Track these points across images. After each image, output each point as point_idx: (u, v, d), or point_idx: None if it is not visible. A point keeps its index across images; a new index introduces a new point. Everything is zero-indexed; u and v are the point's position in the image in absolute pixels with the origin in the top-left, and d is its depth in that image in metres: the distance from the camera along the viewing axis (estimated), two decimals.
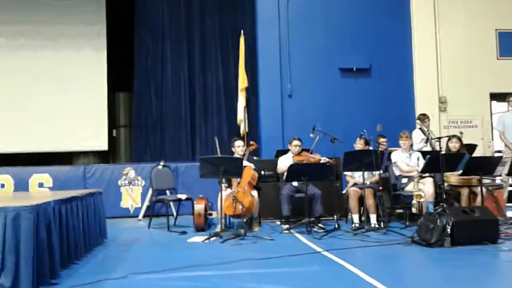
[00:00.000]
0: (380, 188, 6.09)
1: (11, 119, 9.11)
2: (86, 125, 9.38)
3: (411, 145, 6.56)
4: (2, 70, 9.10)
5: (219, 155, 6.72)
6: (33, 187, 7.59)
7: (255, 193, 6.06)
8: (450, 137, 6.49)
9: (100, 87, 9.56)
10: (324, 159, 6.15)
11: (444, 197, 5.71)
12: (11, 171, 7.68)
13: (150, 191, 7.46)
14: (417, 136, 7.12)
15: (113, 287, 3.58)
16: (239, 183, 5.97)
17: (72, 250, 4.22)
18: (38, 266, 3.44)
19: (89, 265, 4.33)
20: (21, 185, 7.54)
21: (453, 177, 6.11)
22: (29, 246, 3.35)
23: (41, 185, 7.63)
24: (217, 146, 6.82)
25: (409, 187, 6.00)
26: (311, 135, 6.44)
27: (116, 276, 3.82)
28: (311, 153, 6.29)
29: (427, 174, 6.13)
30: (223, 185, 5.77)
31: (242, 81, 8.47)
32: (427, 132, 7.07)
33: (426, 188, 5.84)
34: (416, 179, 5.76)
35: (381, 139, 7.11)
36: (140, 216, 7.62)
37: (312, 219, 5.91)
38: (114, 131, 10.11)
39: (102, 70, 9.58)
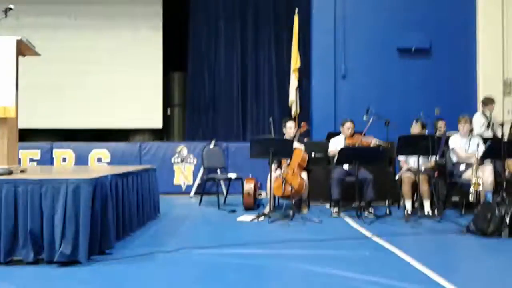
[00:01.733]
0: (436, 174, 5.86)
1: (72, 96, 9.53)
2: (142, 103, 9.66)
3: (471, 130, 6.24)
4: (63, 48, 9.48)
5: (272, 135, 6.72)
6: (92, 162, 7.97)
7: (304, 175, 6.03)
8: None
9: (156, 66, 9.78)
10: (377, 142, 6.00)
11: (504, 186, 5.42)
12: (73, 146, 8.10)
13: (202, 170, 7.62)
14: (479, 120, 6.76)
15: (165, 259, 3.72)
16: (289, 164, 5.96)
17: (126, 223, 4.41)
18: (95, 236, 3.63)
19: (143, 237, 4.50)
20: (81, 160, 7.93)
21: None
22: (87, 217, 3.53)
23: (99, 160, 7.99)
24: (272, 127, 6.82)
25: (467, 175, 5.73)
26: (364, 117, 6.26)
27: (168, 249, 3.96)
28: (363, 135, 6.14)
29: (486, 162, 5.83)
30: (273, 166, 5.78)
31: (295, 62, 8.38)
32: (489, 117, 6.70)
33: (485, 176, 5.56)
34: (474, 166, 5.49)
35: (440, 123, 6.82)
36: (192, 193, 7.82)
37: (363, 203, 5.81)
38: (168, 109, 10.35)
39: (158, 50, 9.78)
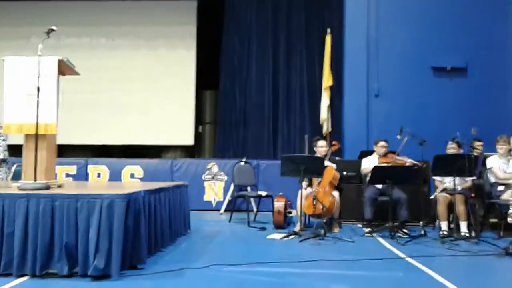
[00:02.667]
0: (473, 195, 5.68)
1: (107, 114, 9.82)
2: (174, 121, 9.84)
3: (510, 151, 6.04)
4: (102, 67, 9.82)
5: (306, 153, 6.69)
6: (125, 177, 8.12)
7: (336, 193, 5.95)
8: None
9: (188, 85, 9.98)
10: (411, 162, 5.88)
11: None
12: (107, 162, 8.29)
13: (232, 186, 7.64)
14: None
15: (195, 275, 3.72)
16: (320, 183, 5.90)
17: (158, 238, 4.45)
18: (127, 251, 3.67)
19: (173, 253, 4.53)
20: (115, 175, 8.10)
21: None
22: (120, 231, 3.58)
23: (132, 175, 8.14)
24: (306, 143, 6.80)
25: (506, 196, 5.53)
26: (398, 136, 6.16)
27: (198, 266, 3.97)
28: (397, 155, 6.04)
29: None
30: (303, 183, 5.74)
31: (327, 80, 8.39)
32: None
33: None
34: None
35: (477, 143, 6.63)
36: (222, 210, 7.84)
37: (396, 223, 5.68)
38: (200, 127, 10.50)
39: (191, 68, 9.99)
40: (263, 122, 9.64)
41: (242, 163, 7.28)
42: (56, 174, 4.71)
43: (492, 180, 5.87)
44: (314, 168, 5.57)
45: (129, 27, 10.07)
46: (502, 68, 8.45)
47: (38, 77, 4.03)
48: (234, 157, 8.85)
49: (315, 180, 5.97)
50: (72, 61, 4.47)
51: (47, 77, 4.11)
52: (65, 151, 9.18)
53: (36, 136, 4.04)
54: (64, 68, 4.43)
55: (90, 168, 8.19)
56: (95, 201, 3.62)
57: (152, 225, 4.28)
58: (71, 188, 4.54)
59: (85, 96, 9.75)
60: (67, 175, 8.10)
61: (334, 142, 6.43)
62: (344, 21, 8.86)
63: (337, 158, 6.81)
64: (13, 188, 4.03)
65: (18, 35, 9.80)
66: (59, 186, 4.40)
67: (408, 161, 5.91)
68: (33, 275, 3.56)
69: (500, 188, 5.72)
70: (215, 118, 10.35)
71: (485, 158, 6.12)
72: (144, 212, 4.00)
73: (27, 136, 4.18)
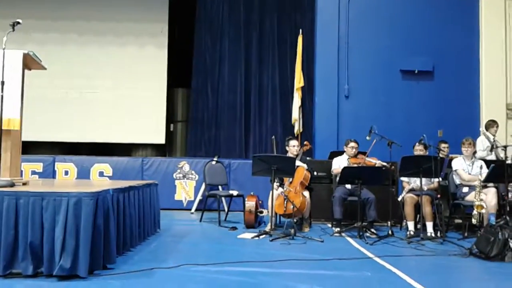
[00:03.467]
0: (438, 195, 5.84)
1: (76, 110, 9.59)
2: (145, 118, 9.71)
3: (474, 153, 6.24)
4: (70, 64, 9.59)
5: (274, 153, 6.72)
6: (94, 176, 7.96)
7: (307, 193, 6.01)
8: None
9: (160, 83, 9.86)
10: (380, 163, 6.00)
11: (508, 209, 5.38)
12: (75, 159, 8.10)
13: (203, 186, 7.60)
14: (482, 143, 6.77)
15: (165, 276, 3.68)
16: (291, 182, 5.94)
17: (127, 238, 4.38)
18: (96, 250, 3.59)
19: (143, 253, 4.47)
20: (83, 173, 7.93)
21: None
22: (88, 230, 3.50)
23: (101, 174, 7.99)
24: (274, 145, 6.84)
25: (470, 197, 5.70)
26: (367, 137, 6.26)
27: (168, 265, 3.93)
28: (367, 156, 6.14)
29: (490, 184, 5.81)
30: (275, 184, 5.77)
31: (298, 81, 8.45)
32: (492, 140, 6.70)
33: (488, 199, 5.52)
34: (478, 189, 5.46)
35: (442, 145, 6.81)
36: (193, 210, 7.79)
37: (365, 223, 5.78)
38: (171, 125, 10.40)
39: (163, 66, 9.87)
40: (235, 122, 9.63)
41: (213, 162, 7.26)
42: (21, 171, 4.57)
43: (457, 181, 6.05)
44: (286, 168, 5.60)
45: (99, 23, 9.87)
46: (468, 71, 8.73)
47: (3, 71, 3.90)
48: (206, 156, 8.81)
49: (286, 180, 6.00)
50: (40, 56, 4.35)
51: (11, 71, 3.99)
52: (31, 148, 8.91)
53: (0, 131, 3.91)
54: (30, 62, 4.31)
55: (58, 165, 7.99)
56: (62, 199, 3.53)
57: (121, 224, 4.21)
58: (37, 186, 4.42)
59: (53, 91, 9.53)
60: (33, 172, 7.88)
61: (305, 142, 6.50)
62: (315, 23, 8.95)
63: (308, 158, 6.87)
64: None
65: None
66: (24, 184, 4.28)
67: (377, 162, 6.01)
68: None
69: (465, 189, 5.89)
70: (187, 116, 10.26)
71: (450, 159, 6.29)
72: (113, 211, 3.93)
73: None
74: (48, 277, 3.45)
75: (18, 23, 4.03)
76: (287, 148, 6.38)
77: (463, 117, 8.48)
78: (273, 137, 7.17)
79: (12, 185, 3.92)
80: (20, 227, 3.51)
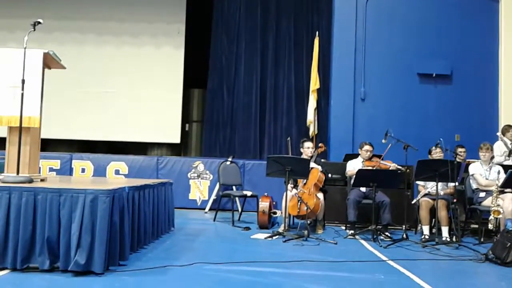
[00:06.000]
0: (454, 200, 5.77)
1: (93, 109, 9.73)
2: (161, 118, 9.80)
3: (492, 158, 6.15)
4: (89, 64, 9.73)
5: (289, 155, 6.72)
6: (110, 174, 8.06)
7: (320, 195, 5.99)
8: None
9: (176, 83, 9.94)
10: (395, 166, 5.95)
11: None
12: (92, 157, 8.22)
13: (217, 186, 7.64)
14: (499, 148, 6.67)
15: (177, 273, 3.71)
16: (305, 184, 5.94)
17: (141, 235, 4.43)
18: (110, 247, 3.64)
19: (157, 251, 4.51)
20: (100, 171, 8.04)
21: None
22: (103, 227, 3.55)
23: (117, 172, 8.08)
24: (289, 146, 6.84)
25: (487, 202, 5.63)
26: (383, 141, 6.23)
27: (181, 263, 3.96)
28: (382, 159, 6.10)
29: (507, 190, 5.71)
30: (289, 185, 5.77)
31: (314, 83, 8.43)
32: (509, 145, 6.60)
33: (505, 204, 5.44)
34: (495, 194, 5.39)
35: (459, 149, 6.74)
36: (207, 209, 7.83)
37: (379, 227, 5.74)
38: (187, 125, 10.47)
39: (179, 67, 9.95)
40: (250, 122, 9.66)
41: (228, 163, 7.29)
42: (39, 168, 4.65)
43: (474, 186, 5.97)
44: (300, 169, 5.60)
45: (117, 23, 9.99)
46: (487, 75, 8.60)
47: (24, 70, 3.98)
48: (220, 156, 8.86)
49: (301, 181, 6.00)
50: (59, 56, 4.42)
51: (32, 70, 4.07)
52: (50, 145, 9.08)
53: (20, 129, 3.99)
54: (50, 62, 4.39)
55: (75, 163, 8.11)
56: (79, 196, 3.59)
57: (136, 222, 4.26)
58: (55, 182, 4.49)
59: (72, 90, 9.67)
60: (51, 169, 8.01)
61: (320, 144, 6.48)
62: (332, 25, 8.92)
63: (322, 160, 6.85)
64: None
65: (2, 27, 9.67)
66: (42, 180, 4.35)
67: (392, 165, 5.97)
68: (14, 269, 3.52)
69: (482, 194, 5.81)
70: (203, 117, 10.33)
71: (467, 164, 6.21)
72: (128, 208, 3.98)
73: (11, 128, 4.14)
74: (64, 272, 3.50)
75: (39, 22, 4.11)
76: (301, 149, 6.38)
77: (481, 122, 8.36)
78: (289, 138, 7.17)
79: (31, 181, 4.00)
80: (37, 223, 3.58)
